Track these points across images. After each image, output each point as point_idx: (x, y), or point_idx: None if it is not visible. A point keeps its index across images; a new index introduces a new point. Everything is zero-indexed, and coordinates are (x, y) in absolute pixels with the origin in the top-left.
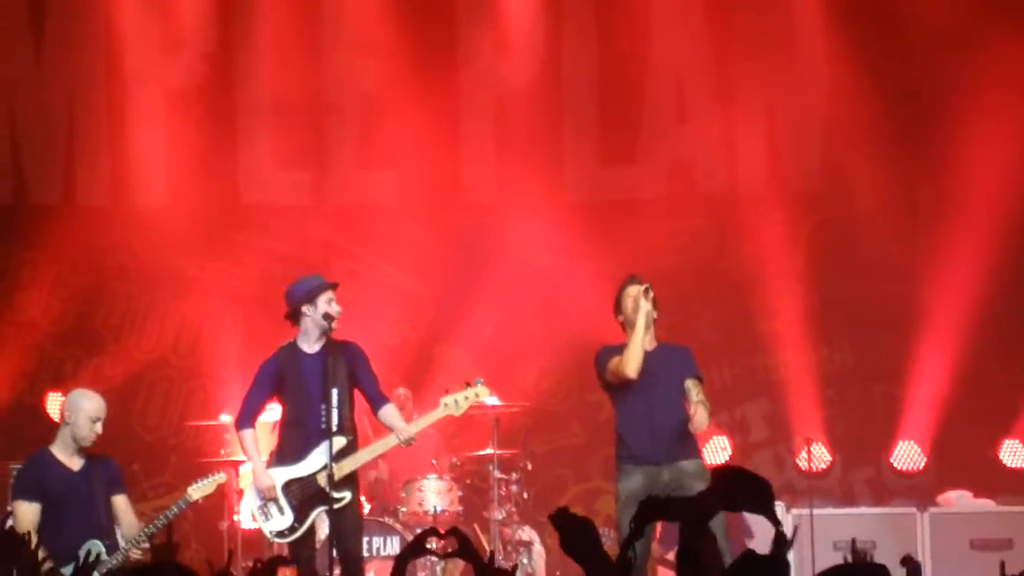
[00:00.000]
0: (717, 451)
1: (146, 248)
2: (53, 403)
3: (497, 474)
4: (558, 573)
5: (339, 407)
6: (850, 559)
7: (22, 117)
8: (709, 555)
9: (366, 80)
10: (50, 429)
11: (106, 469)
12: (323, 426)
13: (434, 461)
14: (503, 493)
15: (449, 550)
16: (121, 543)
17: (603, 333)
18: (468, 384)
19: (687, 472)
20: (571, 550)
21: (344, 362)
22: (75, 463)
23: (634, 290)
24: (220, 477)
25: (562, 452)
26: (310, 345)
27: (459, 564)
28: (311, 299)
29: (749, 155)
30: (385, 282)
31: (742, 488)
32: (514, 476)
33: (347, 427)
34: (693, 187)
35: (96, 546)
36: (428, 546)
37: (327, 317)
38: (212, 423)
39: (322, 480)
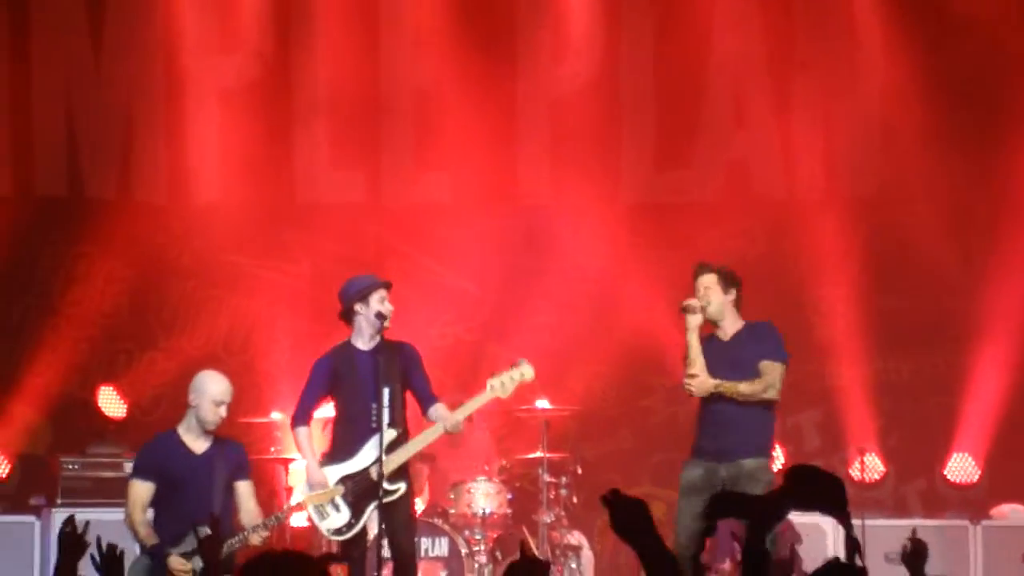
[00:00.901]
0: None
1: (200, 244)
2: (105, 397)
3: (547, 477)
4: None
5: (391, 406)
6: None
7: (81, 113)
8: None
9: (423, 79)
10: (102, 423)
11: (232, 453)
12: (373, 425)
13: (486, 467)
14: (552, 497)
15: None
16: (243, 529)
17: (656, 337)
18: (513, 365)
19: (744, 471)
20: (623, 531)
21: (398, 362)
22: (199, 446)
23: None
24: (338, 489)
25: (612, 457)
26: (364, 343)
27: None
28: (363, 297)
29: (806, 160)
30: (438, 283)
31: (815, 488)
32: (563, 480)
33: (398, 421)
34: (749, 191)
35: (205, 532)
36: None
37: (379, 316)
38: (263, 420)
39: (375, 473)
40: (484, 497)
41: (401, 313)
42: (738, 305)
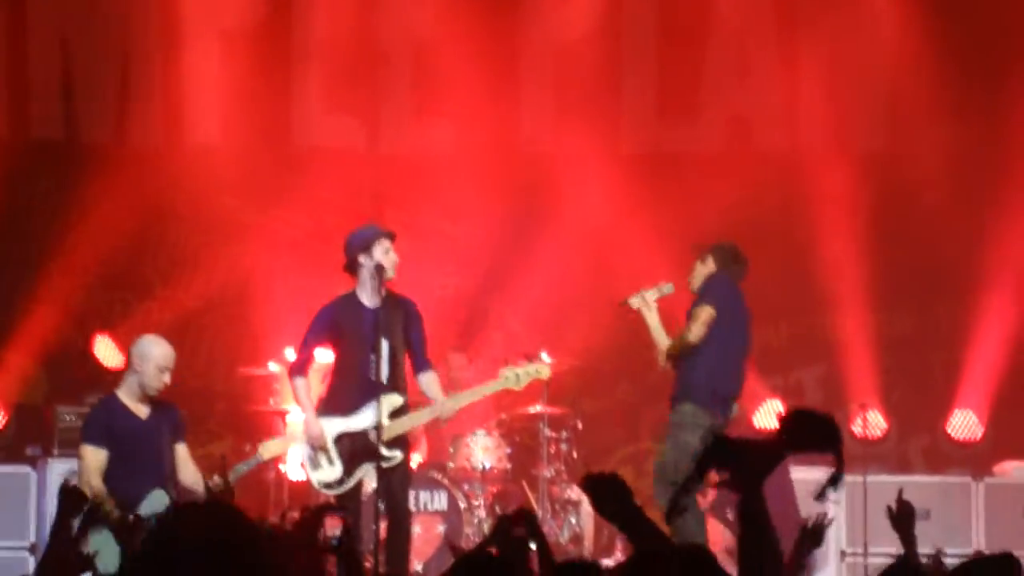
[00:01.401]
0: (770, 415)
1: (197, 191)
2: (101, 346)
3: (547, 432)
4: (606, 532)
5: (392, 362)
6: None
7: (75, 55)
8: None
9: (423, 26)
10: (98, 372)
11: (172, 416)
12: (372, 377)
13: (484, 425)
14: (552, 451)
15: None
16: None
17: None
18: (530, 359)
19: (673, 419)
20: (607, 514)
21: (400, 317)
22: (142, 411)
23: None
24: (293, 441)
25: (613, 412)
26: (368, 297)
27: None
28: (367, 248)
29: (811, 113)
30: (438, 233)
31: (809, 429)
32: (564, 435)
33: (401, 387)
34: (753, 144)
35: (161, 496)
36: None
37: (379, 267)
38: (260, 371)
39: (374, 438)
40: (483, 451)
41: (400, 264)
42: (730, 272)
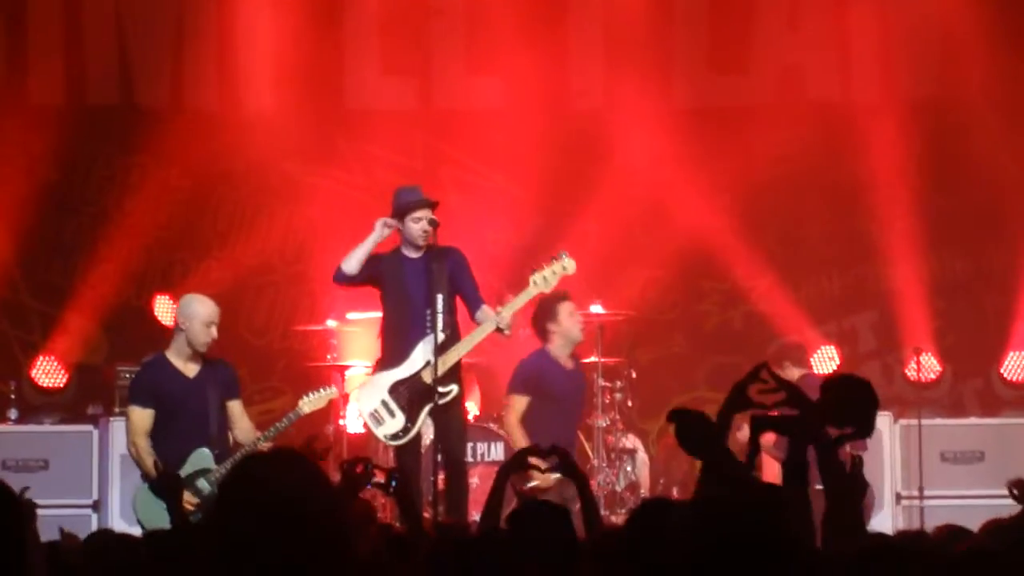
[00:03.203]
0: (825, 361)
1: (253, 152)
2: (161, 306)
3: (601, 382)
4: (662, 481)
5: (433, 308)
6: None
7: (130, 18)
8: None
9: None
10: (158, 332)
11: (222, 373)
12: (428, 331)
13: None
14: (607, 401)
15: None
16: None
17: (710, 241)
18: (554, 258)
19: None
20: (689, 446)
21: (446, 267)
22: (191, 369)
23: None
24: (332, 392)
25: (667, 361)
26: (412, 252)
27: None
28: (402, 215)
29: (862, 61)
30: (491, 189)
31: (847, 403)
32: (618, 384)
33: (446, 323)
34: (804, 94)
35: (205, 455)
36: (532, 461)
37: (410, 238)
38: (319, 328)
39: (427, 377)
40: None
41: (453, 220)
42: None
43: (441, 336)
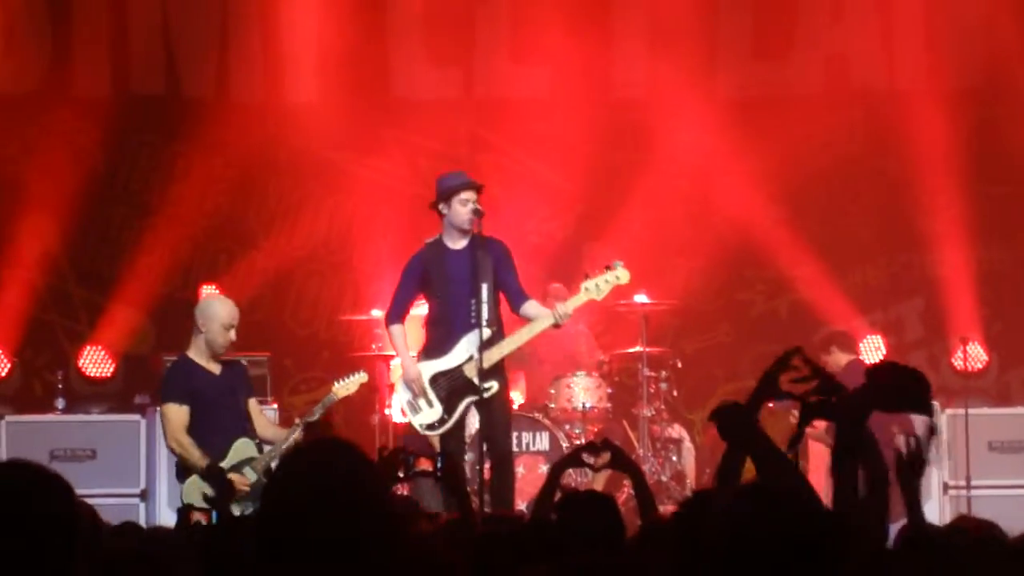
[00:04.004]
0: (871, 350)
1: (297, 142)
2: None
3: (646, 372)
4: (708, 470)
5: (487, 302)
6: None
7: (175, 10)
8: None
9: None
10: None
11: (240, 373)
12: (472, 320)
13: (585, 361)
14: (652, 391)
15: (601, 462)
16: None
17: (754, 230)
18: (608, 267)
19: None
20: (733, 441)
21: (490, 259)
22: (214, 367)
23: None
24: (362, 376)
25: (712, 351)
26: (454, 241)
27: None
28: (447, 198)
29: (907, 50)
30: (534, 178)
31: (896, 387)
32: (663, 374)
33: (492, 319)
34: (849, 83)
35: (249, 444)
36: (584, 459)
37: (458, 220)
38: (363, 318)
39: (469, 371)
40: (584, 392)
41: (496, 209)
42: None
43: (488, 332)
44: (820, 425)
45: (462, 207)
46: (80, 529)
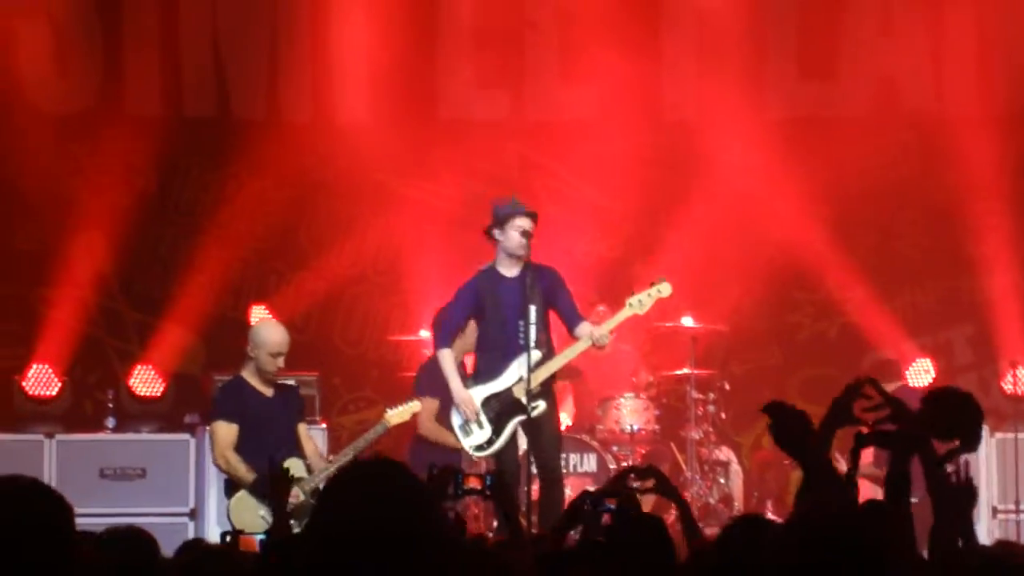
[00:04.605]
0: (920, 374)
1: (347, 164)
2: (257, 316)
3: (694, 394)
4: (756, 493)
5: (536, 327)
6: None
7: (226, 31)
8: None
9: None
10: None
11: (293, 397)
12: (521, 342)
13: (633, 380)
14: (700, 413)
15: (646, 487)
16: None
17: (803, 252)
18: (652, 283)
19: None
20: (784, 442)
21: (541, 287)
22: (267, 390)
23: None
24: (415, 405)
25: (760, 373)
26: (508, 268)
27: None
28: (501, 224)
29: (957, 72)
30: (583, 199)
31: (952, 416)
32: (711, 396)
33: (541, 342)
34: (897, 105)
35: (298, 464)
36: (630, 482)
37: (512, 247)
38: (412, 338)
39: (518, 391)
40: (632, 413)
41: (545, 230)
42: None
43: (538, 354)
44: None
45: (515, 233)
46: (73, 544)
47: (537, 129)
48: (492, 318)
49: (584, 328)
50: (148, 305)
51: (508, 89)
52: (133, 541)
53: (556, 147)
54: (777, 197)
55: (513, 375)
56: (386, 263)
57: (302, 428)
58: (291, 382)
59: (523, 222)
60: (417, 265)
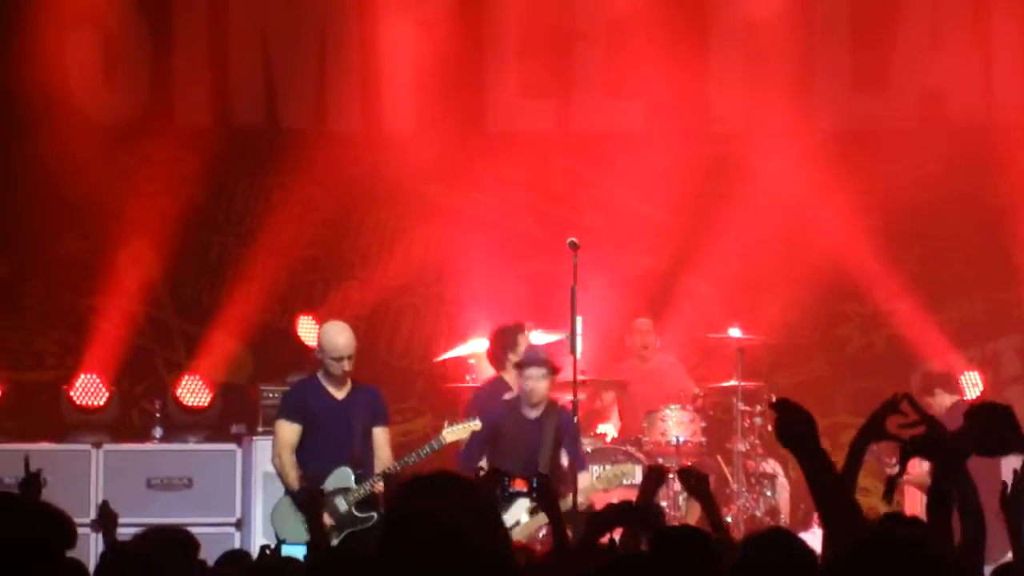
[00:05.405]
0: (969, 387)
1: (394, 174)
2: (304, 327)
3: (741, 406)
4: (802, 506)
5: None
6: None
7: (275, 42)
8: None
9: (614, 7)
10: (301, 352)
11: (369, 399)
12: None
13: (681, 393)
14: (746, 425)
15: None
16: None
17: (850, 264)
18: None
19: None
20: (786, 440)
21: (555, 428)
22: (340, 392)
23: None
24: (475, 424)
25: (807, 385)
26: (527, 409)
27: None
28: (520, 368)
29: (1006, 84)
30: (629, 211)
31: (993, 431)
32: (758, 408)
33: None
34: (946, 117)
35: (346, 474)
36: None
37: (524, 392)
38: (454, 355)
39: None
40: (678, 425)
41: (592, 243)
42: None
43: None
44: (917, 470)
45: (527, 382)
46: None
47: (584, 141)
48: (504, 456)
49: (582, 479)
50: (195, 315)
51: (555, 100)
52: (172, 539)
53: (603, 159)
54: (825, 208)
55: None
56: (431, 274)
57: (379, 433)
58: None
59: (534, 372)
60: (462, 276)
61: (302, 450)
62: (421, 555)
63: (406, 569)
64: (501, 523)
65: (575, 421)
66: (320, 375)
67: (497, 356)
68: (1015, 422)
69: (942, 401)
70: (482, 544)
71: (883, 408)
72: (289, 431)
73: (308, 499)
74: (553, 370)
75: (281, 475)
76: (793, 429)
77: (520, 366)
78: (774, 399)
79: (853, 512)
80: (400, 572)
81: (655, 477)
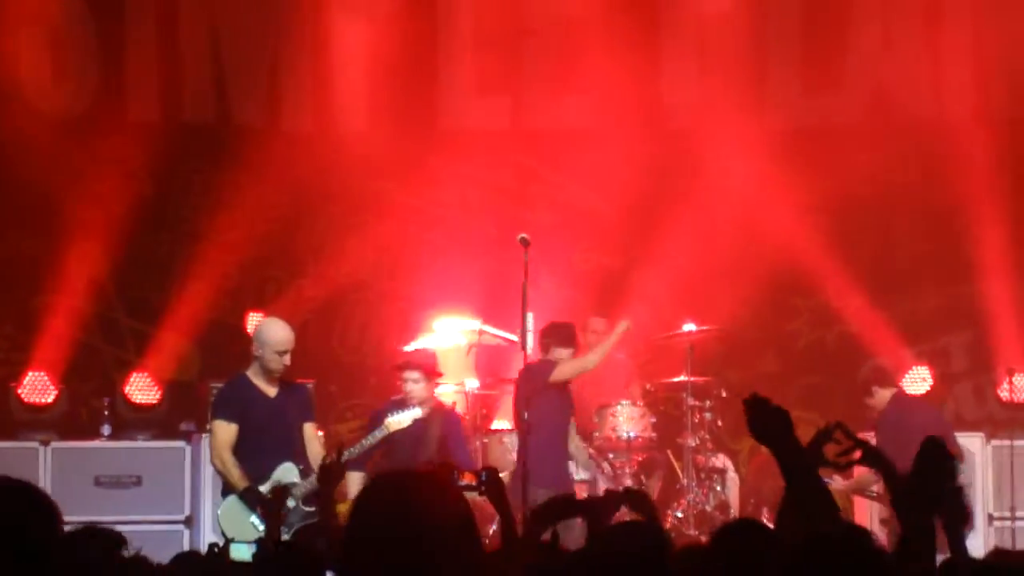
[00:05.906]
0: (917, 381)
1: (347, 171)
2: (254, 324)
3: (691, 401)
4: (752, 500)
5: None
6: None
7: (226, 37)
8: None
9: (566, 3)
10: (250, 349)
11: (300, 395)
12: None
13: (628, 388)
14: (697, 420)
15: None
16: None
17: (801, 260)
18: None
19: None
20: (761, 436)
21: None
22: (271, 390)
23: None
24: (416, 412)
25: (757, 380)
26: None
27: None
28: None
29: (956, 80)
30: (581, 207)
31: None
32: (708, 403)
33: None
34: (897, 114)
35: (291, 469)
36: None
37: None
38: (411, 346)
39: None
40: (628, 421)
41: (544, 238)
42: None
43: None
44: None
45: (404, 384)
46: (55, 547)
47: (536, 137)
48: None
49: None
50: (144, 312)
51: (507, 97)
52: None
53: (555, 155)
54: (776, 204)
55: None
56: (385, 271)
57: (308, 428)
58: (304, 383)
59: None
60: (415, 273)
61: (242, 449)
62: (390, 554)
63: (374, 567)
64: (473, 521)
65: (460, 424)
66: (251, 373)
67: (547, 349)
68: (942, 452)
69: (881, 397)
70: (455, 543)
71: (818, 438)
72: (227, 431)
73: (276, 497)
74: (429, 374)
75: (224, 475)
76: (769, 425)
77: (399, 368)
78: (748, 396)
79: (829, 507)
80: (367, 570)
81: (614, 502)
